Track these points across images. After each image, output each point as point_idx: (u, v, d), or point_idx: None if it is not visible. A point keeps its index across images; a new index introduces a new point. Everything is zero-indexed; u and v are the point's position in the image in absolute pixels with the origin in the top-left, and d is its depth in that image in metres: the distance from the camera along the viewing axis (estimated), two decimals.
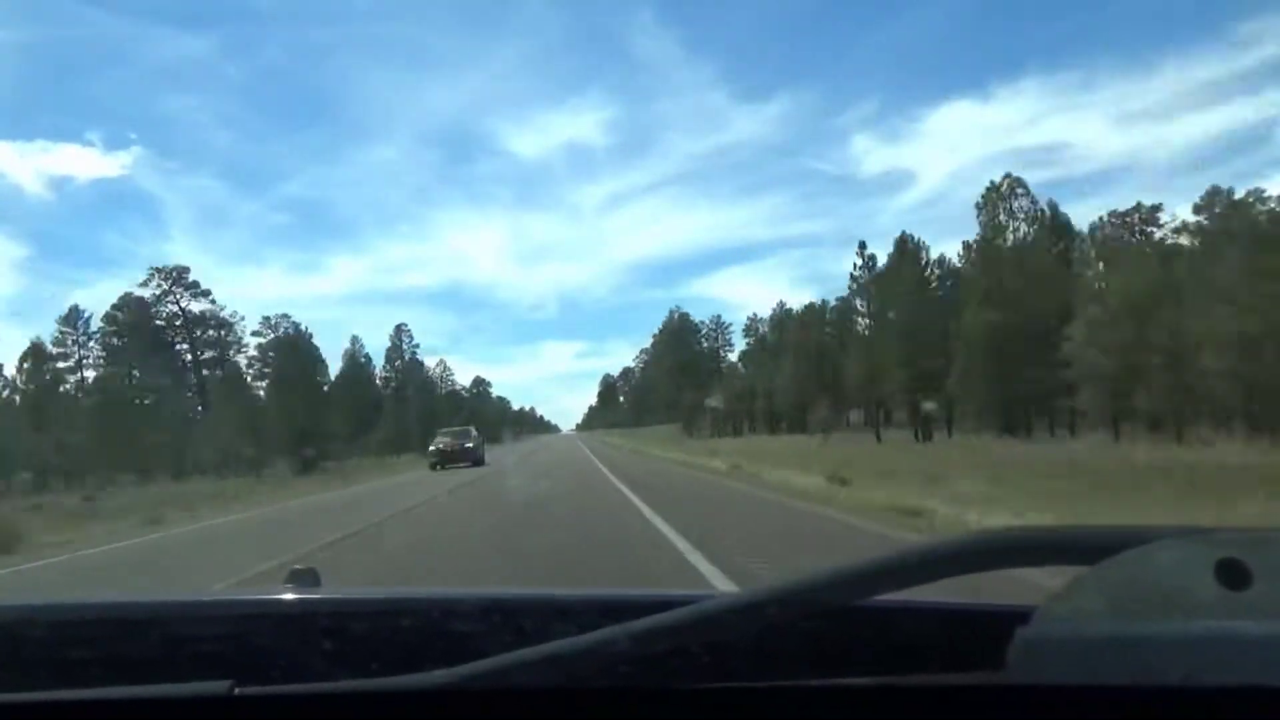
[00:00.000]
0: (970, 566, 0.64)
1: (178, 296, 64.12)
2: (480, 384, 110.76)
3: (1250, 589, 0.55)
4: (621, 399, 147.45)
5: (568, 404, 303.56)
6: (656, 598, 0.94)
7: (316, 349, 61.20)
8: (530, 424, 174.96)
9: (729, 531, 8.76)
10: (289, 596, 1.03)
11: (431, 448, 31.88)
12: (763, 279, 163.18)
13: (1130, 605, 0.59)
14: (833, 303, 69.26)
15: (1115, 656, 0.58)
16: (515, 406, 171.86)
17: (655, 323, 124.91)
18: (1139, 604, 0.59)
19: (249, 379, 61.76)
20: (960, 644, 0.78)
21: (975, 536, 0.67)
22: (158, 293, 63.53)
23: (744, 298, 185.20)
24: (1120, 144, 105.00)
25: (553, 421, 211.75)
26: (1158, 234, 46.23)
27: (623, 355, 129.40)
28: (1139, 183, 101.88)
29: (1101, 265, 40.59)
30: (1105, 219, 46.37)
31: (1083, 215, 73.11)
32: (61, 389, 56.22)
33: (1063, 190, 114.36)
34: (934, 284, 54.47)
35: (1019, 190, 46.11)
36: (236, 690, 0.77)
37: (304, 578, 1.26)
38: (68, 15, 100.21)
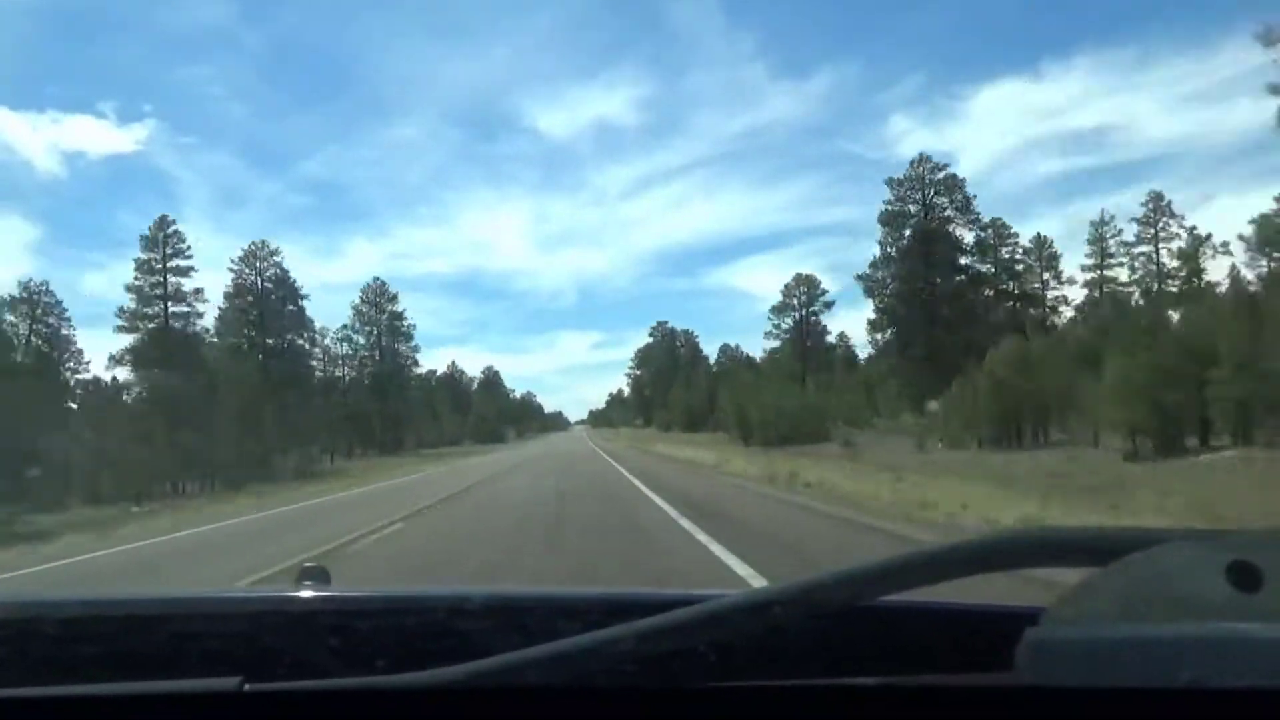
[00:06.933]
0: (978, 567, 0.64)
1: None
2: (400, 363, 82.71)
3: (1261, 591, 0.54)
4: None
5: (582, 394, 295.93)
6: (663, 597, 0.95)
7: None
8: (535, 417, 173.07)
9: None
10: (298, 594, 1.04)
11: None
12: (788, 268, 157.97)
13: (1140, 607, 0.58)
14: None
15: (1124, 658, 0.57)
16: (518, 397, 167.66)
17: (673, 313, 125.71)
18: (1149, 606, 0.58)
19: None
20: (968, 644, 0.79)
21: (984, 538, 0.66)
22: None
23: (767, 289, 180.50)
24: (1174, 128, 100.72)
25: (560, 411, 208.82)
26: None
27: (638, 347, 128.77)
28: (1190, 169, 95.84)
29: None
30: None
31: None
32: None
33: (1107, 177, 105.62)
34: None
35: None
36: (246, 686, 0.78)
37: (314, 575, 1.28)
38: None
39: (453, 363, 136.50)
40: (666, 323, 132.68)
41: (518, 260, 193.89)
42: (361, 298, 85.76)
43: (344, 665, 0.83)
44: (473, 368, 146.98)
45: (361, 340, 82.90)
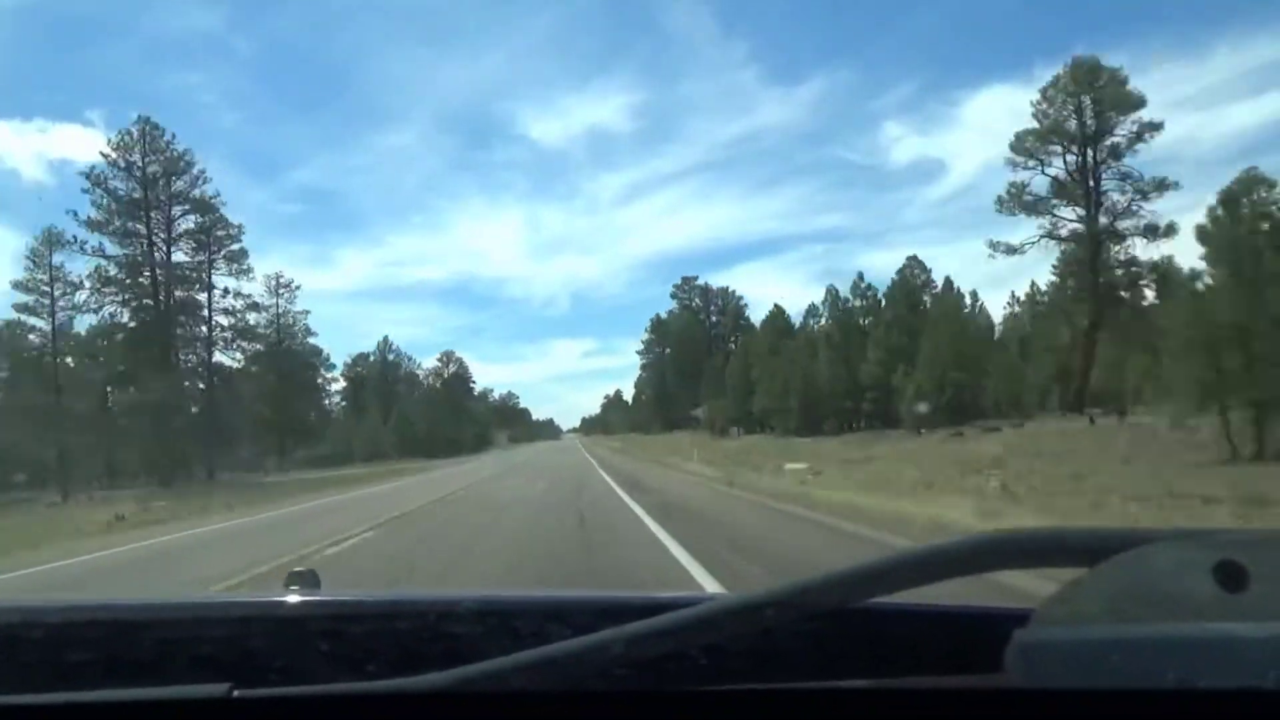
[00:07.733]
0: (967, 569, 0.64)
1: None
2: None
3: (1248, 591, 0.54)
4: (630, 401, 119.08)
5: (575, 402, 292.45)
6: (653, 600, 0.96)
7: None
8: (519, 423, 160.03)
9: None
10: (287, 599, 1.03)
11: None
12: (781, 275, 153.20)
13: (1128, 607, 0.58)
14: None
15: (1113, 659, 0.57)
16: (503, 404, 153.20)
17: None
18: (1137, 606, 0.58)
19: None
20: (957, 646, 0.79)
21: (972, 539, 0.65)
22: None
23: (761, 295, 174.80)
24: (1170, 131, 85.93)
25: (552, 419, 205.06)
26: None
27: (631, 355, 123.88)
28: (1186, 174, 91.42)
29: None
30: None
31: None
32: None
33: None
34: None
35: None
36: (235, 693, 0.77)
37: (303, 580, 1.27)
38: None
39: (385, 339, 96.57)
40: (696, 278, 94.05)
41: (510, 268, 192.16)
42: (115, 147, 40.47)
43: (334, 670, 0.83)
44: (430, 358, 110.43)
45: (116, 250, 41.09)
